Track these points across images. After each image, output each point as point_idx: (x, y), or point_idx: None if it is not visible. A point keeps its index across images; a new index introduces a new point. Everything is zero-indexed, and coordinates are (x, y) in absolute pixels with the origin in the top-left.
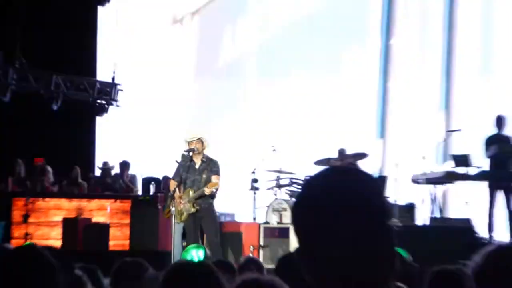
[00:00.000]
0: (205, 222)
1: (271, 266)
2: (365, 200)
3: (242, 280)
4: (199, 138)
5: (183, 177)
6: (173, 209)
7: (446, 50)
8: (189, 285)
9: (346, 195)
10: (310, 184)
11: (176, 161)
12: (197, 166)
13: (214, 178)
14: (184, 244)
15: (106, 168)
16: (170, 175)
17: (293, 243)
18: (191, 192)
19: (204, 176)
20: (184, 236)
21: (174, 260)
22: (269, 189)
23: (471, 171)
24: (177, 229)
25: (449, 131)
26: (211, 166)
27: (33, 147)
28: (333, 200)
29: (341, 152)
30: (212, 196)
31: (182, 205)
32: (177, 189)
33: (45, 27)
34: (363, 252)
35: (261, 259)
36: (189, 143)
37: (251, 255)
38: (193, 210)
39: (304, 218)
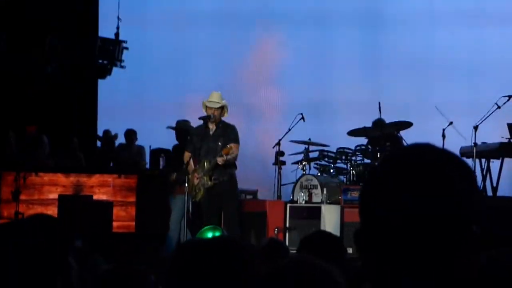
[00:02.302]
0: (224, 199)
1: None
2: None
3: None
4: (223, 106)
5: (197, 146)
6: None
7: None
8: (210, 265)
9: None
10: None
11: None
12: (211, 133)
13: (232, 147)
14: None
15: (108, 137)
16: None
17: (324, 224)
18: (206, 164)
19: (220, 143)
20: (197, 216)
21: (170, 244)
22: (297, 163)
23: None
24: (176, 205)
25: (506, 96)
26: (228, 132)
27: (25, 114)
28: (412, 178)
29: (379, 122)
30: (232, 166)
31: (197, 179)
32: (191, 162)
33: None
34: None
35: (286, 243)
36: (207, 108)
37: (274, 237)
38: (210, 183)
39: (378, 194)
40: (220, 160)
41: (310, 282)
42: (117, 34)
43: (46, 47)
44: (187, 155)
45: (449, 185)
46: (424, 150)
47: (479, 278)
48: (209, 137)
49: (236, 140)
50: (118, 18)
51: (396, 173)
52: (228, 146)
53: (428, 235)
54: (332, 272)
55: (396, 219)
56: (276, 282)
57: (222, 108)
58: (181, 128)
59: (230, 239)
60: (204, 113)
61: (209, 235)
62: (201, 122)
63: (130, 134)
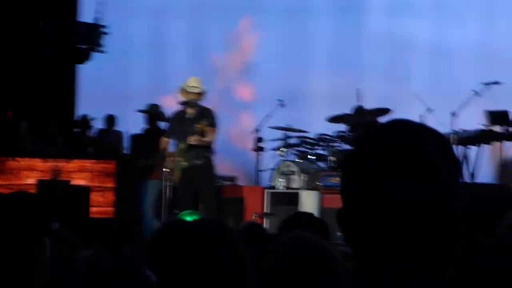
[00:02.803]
0: (200, 182)
1: None
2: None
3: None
4: (203, 92)
5: (175, 130)
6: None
7: None
8: (193, 249)
9: (407, 151)
10: (371, 136)
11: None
12: (189, 117)
13: (209, 130)
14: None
15: (84, 122)
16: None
17: (303, 210)
18: (182, 145)
19: (198, 126)
20: (174, 202)
21: (146, 230)
22: (276, 149)
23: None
24: (148, 191)
25: (485, 84)
26: (205, 115)
27: (3, 99)
28: (392, 154)
29: (359, 108)
30: (208, 149)
31: (173, 162)
32: (168, 147)
33: None
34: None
35: None
36: (187, 92)
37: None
38: (185, 164)
39: (357, 171)
40: (192, 140)
41: (309, 258)
42: (97, 19)
43: (39, 31)
44: (164, 140)
45: (433, 170)
46: (404, 129)
47: (462, 268)
48: (187, 120)
49: (214, 124)
50: (98, 3)
51: (378, 156)
52: (203, 122)
53: (411, 219)
54: (330, 249)
55: (379, 204)
56: (277, 257)
57: (201, 93)
58: (151, 112)
59: (212, 221)
60: (181, 98)
61: (187, 219)
62: (178, 107)
63: (110, 120)
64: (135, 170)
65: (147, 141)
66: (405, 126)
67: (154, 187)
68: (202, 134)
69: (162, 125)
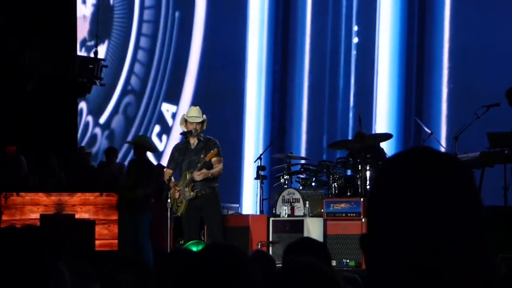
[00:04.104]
0: (206, 212)
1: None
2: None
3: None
4: (203, 120)
5: (178, 161)
6: (169, 200)
7: None
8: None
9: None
10: (395, 164)
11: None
12: (193, 147)
13: (214, 161)
14: (181, 242)
15: (81, 154)
16: (165, 163)
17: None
18: (187, 175)
19: (201, 156)
20: (178, 232)
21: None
22: (278, 177)
23: None
24: (146, 222)
25: (485, 106)
26: (210, 146)
27: (3, 133)
28: (420, 186)
29: (359, 135)
30: (214, 179)
31: (178, 193)
32: (172, 178)
33: None
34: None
35: None
36: (188, 123)
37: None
38: (192, 194)
39: (383, 200)
40: (198, 175)
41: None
42: (96, 52)
43: (26, 64)
44: (167, 172)
45: (455, 202)
46: (427, 159)
47: None
48: (191, 151)
49: (219, 154)
50: (97, 36)
51: (400, 186)
52: (211, 151)
53: (435, 255)
54: (335, 275)
55: (402, 240)
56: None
57: (203, 122)
58: (139, 143)
59: (227, 245)
60: (182, 129)
61: (194, 249)
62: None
63: (110, 152)
64: (131, 201)
65: (137, 172)
66: (427, 156)
67: (150, 218)
68: (208, 165)
69: (150, 156)
